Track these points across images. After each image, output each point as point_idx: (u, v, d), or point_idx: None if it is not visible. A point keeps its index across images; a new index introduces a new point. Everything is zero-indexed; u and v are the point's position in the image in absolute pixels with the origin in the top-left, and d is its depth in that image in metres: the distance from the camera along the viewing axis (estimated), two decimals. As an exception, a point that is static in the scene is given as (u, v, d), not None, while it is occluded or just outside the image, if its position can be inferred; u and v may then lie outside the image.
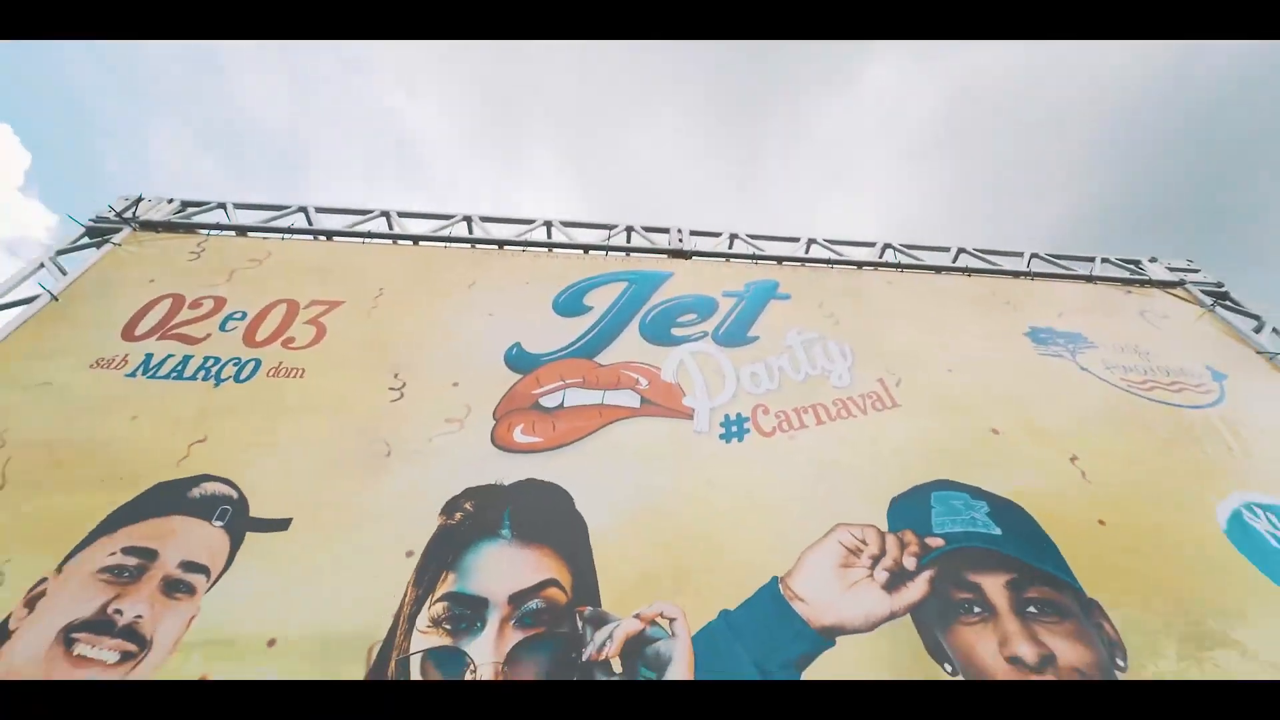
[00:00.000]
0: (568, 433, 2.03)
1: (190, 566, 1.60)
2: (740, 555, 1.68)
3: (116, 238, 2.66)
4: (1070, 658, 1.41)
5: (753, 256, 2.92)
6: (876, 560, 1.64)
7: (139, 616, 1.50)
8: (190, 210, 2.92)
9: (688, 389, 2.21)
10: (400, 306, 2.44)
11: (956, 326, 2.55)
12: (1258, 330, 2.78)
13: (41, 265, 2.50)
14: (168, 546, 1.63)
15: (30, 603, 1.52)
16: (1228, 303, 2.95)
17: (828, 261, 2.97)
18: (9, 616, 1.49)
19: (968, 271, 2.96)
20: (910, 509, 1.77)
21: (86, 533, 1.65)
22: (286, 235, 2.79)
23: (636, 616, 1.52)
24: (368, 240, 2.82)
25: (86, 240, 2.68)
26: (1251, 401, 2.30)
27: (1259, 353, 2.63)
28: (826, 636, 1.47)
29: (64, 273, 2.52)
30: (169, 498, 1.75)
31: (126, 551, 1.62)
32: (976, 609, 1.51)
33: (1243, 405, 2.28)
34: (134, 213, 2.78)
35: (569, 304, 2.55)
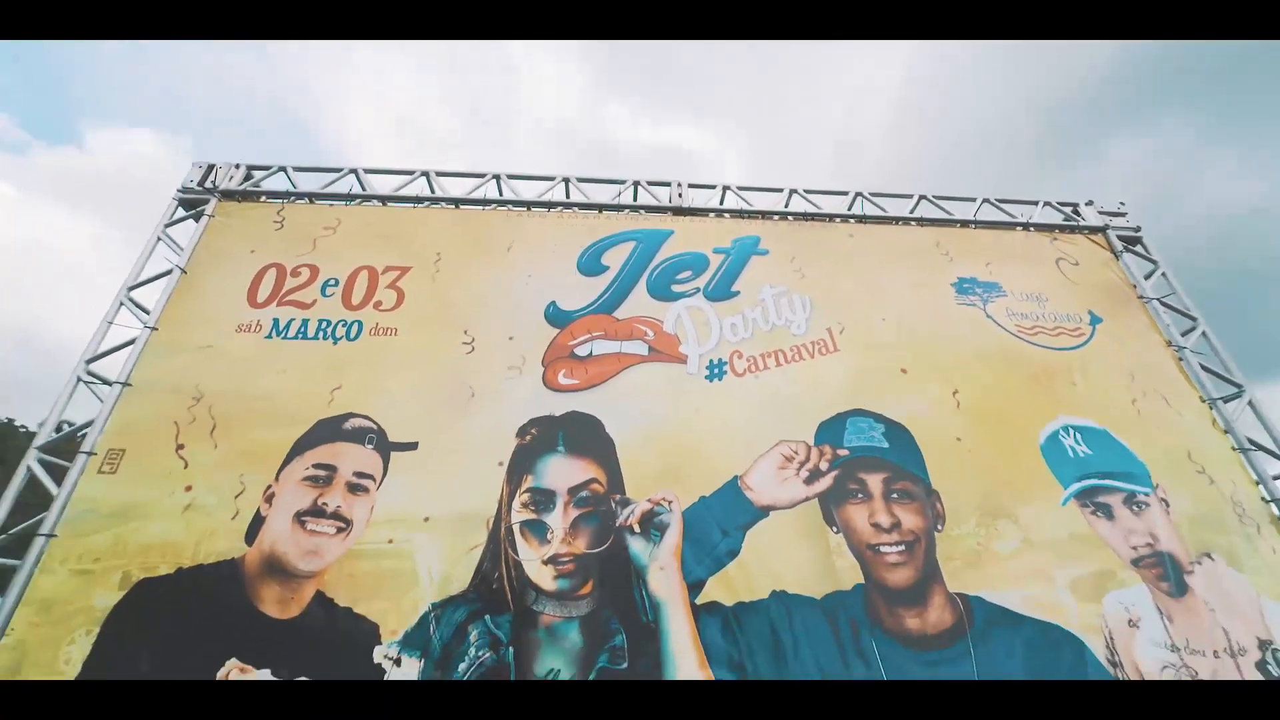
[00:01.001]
0: (596, 376, 2.80)
1: (361, 475, 2.48)
2: (714, 461, 2.56)
3: (208, 209, 3.18)
4: (910, 524, 2.34)
5: (739, 213, 3.45)
6: (802, 464, 2.52)
7: (339, 505, 2.41)
8: (257, 175, 3.38)
9: (683, 338, 2.94)
10: (457, 271, 3.06)
11: (895, 278, 3.19)
12: (1148, 276, 3.41)
13: (160, 240, 3.09)
14: (342, 463, 2.50)
15: (268, 500, 2.42)
16: (1137, 249, 3.54)
17: (805, 215, 3.50)
18: (258, 509, 2.40)
19: (921, 221, 3.50)
20: (831, 430, 2.62)
21: (285, 455, 2.51)
22: (349, 201, 3.31)
23: (648, 500, 2.43)
24: (416, 205, 3.33)
25: (183, 212, 3.21)
26: (1110, 344, 3.04)
27: (1140, 297, 3.30)
28: (764, 511, 2.40)
29: (168, 243, 3.11)
30: (330, 430, 2.58)
31: (316, 466, 2.49)
32: (859, 494, 2.41)
33: (1102, 347, 3.02)
34: (214, 182, 3.26)
35: (589, 264, 3.17)
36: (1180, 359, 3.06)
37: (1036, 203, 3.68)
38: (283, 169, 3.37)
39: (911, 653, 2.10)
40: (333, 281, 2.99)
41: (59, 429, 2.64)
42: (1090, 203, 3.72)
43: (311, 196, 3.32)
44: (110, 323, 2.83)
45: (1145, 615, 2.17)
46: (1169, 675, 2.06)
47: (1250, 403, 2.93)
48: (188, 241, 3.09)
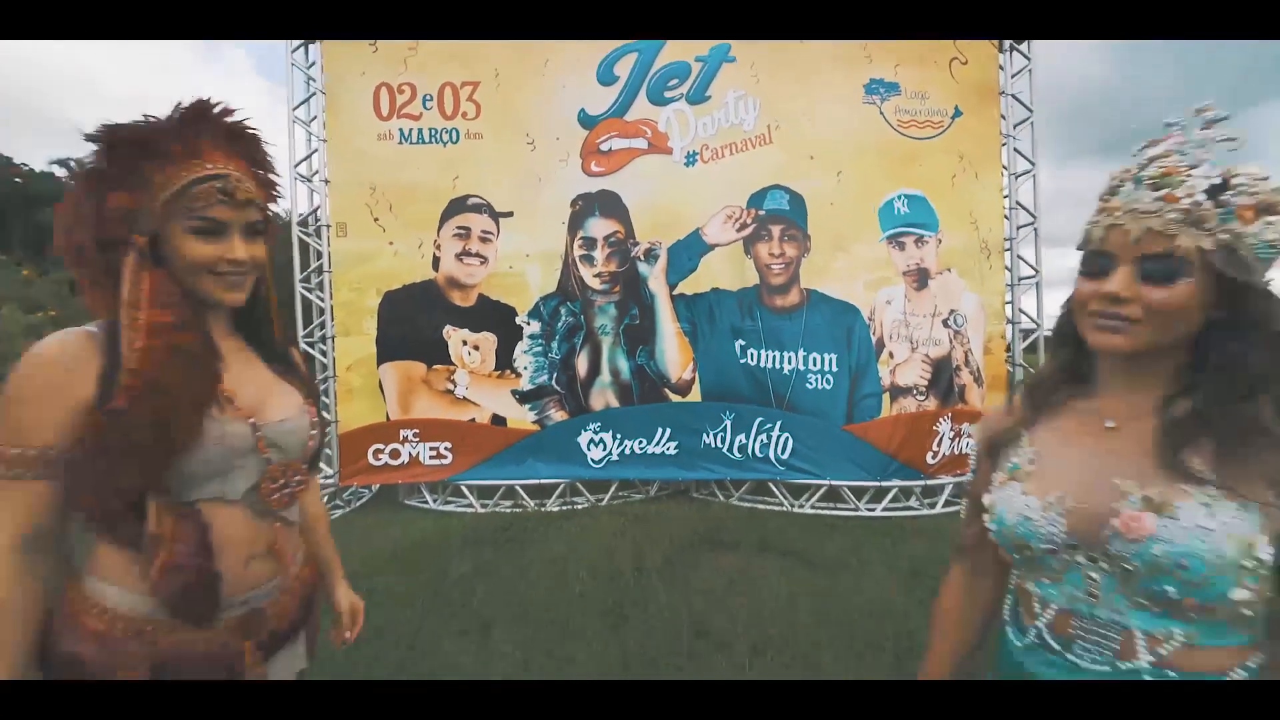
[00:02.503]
0: (615, 165, 4.40)
1: (486, 232, 4.35)
2: (687, 221, 4.39)
3: (314, 45, 4.24)
4: (790, 254, 4.31)
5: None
6: (738, 220, 4.35)
7: (478, 249, 4.35)
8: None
9: (670, 135, 4.42)
10: (512, 85, 4.33)
11: (825, 82, 4.42)
12: (1015, 75, 4.59)
13: (292, 66, 4.27)
14: (473, 224, 4.34)
15: (437, 248, 4.34)
16: (1018, 51, 4.59)
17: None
18: (434, 254, 4.34)
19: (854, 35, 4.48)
20: (758, 198, 4.36)
21: (438, 221, 4.34)
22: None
23: (648, 241, 4.36)
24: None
25: (296, 43, 4.27)
26: (957, 133, 4.46)
27: (1000, 93, 4.57)
28: (712, 246, 4.35)
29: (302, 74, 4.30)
30: (459, 205, 4.34)
31: (459, 228, 4.33)
32: (766, 237, 4.32)
33: (950, 137, 4.46)
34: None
35: (605, 74, 4.39)
36: (1004, 145, 4.56)
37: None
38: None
39: (774, 315, 4.32)
40: (429, 97, 4.32)
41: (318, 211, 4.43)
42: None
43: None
44: (309, 132, 4.32)
45: (895, 299, 4.33)
46: (893, 318, 4.30)
47: (1033, 176, 4.58)
48: (313, 71, 4.29)
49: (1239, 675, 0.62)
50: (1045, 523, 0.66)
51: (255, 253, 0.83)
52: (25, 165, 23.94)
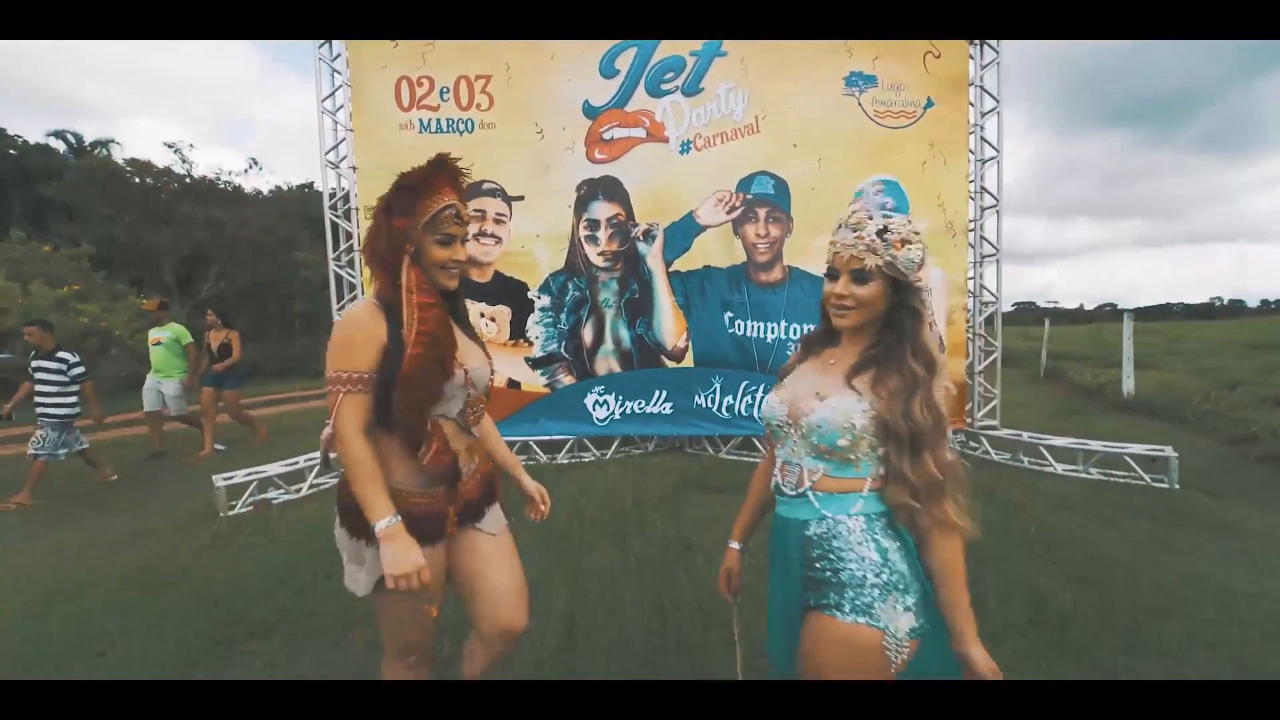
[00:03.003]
0: (616, 152, 4.84)
1: (499, 214, 4.81)
2: (681, 204, 4.85)
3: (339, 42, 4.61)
4: (775, 235, 4.78)
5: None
6: (728, 203, 4.81)
7: (491, 229, 4.81)
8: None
9: (667, 125, 4.84)
10: (522, 78, 4.73)
11: (810, 76, 4.82)
12: (985, 66, 4.98)
13: (319, 60, 4.65)
14: (488, 208, 4.79)
15: (477, 238, 4.81)
16: (988, 45, 4.98)
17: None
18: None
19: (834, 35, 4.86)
20: (745, 183, 4.82)
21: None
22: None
23: (646, 223, 4.83)
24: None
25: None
26: (929, 123, 4.89)
27: (970, 84, 4.97)
28: (704, 228, 4.82)
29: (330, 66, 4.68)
30: (475, 190, 4.77)
31: (474, 209, 4.79)
32: (753, 219, 4.79)
33: (922, 126, 4.88)
34: (336, 3, 4.58)
35: (606, 68, 4.79)
36: (971, 133, 5.00)
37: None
38: (378, -14, 4.61)
39: (760, 290, 4.83)
40: (446, 90, 4.72)
41: (332, 193, 4.88)
42: None
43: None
44: (335, 121, 4.73)
45: (868, 273, 4.83)
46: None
47: (997, 162, 5.03)
48: (338, 64, 4.67)
49: (859, 500, 1.04)
50: (777, 412, 1.14)
51: (466, 255, 1.30)
52: (19, 137, 23.60)
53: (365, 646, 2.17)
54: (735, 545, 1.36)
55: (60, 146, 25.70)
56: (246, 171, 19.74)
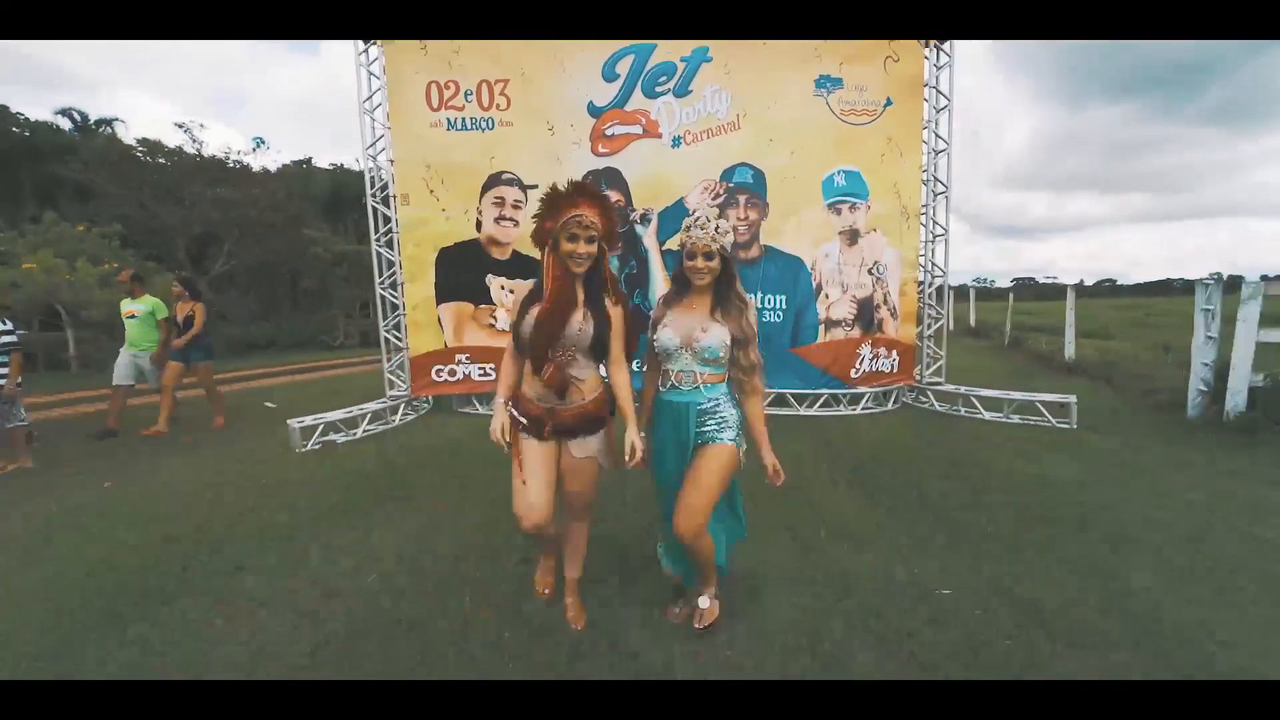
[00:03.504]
0: (616, 147, 5.61)
1: (517, 201, 5.59)
2: (673, 191, 5.64)
3: (377, 46, 5.32)
4: (754, 218, 5.59)
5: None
6: (713, 190, 5.61)
7: (511, 214, 5.61)
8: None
9: (660, 122, 5.59)
10: (535, 82, 5.46)
11: (784, 79, 5.55)
12: (939, 67, 5.71)
13: (360, 66, 5.37)
14: (506, 195, 5.58)
15: (479, 213, 5.60)
16: (943, 49, 5.70)
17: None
18: (477, 217, 5.60)
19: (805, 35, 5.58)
20: (727, 173, 5.61)
21: (479, 191, 5.58)
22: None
23: (643, 209, 5.63)
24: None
25: (361, 45, 5.35)
26: (888, 120, 5.64)
27: (924, 85, 5.71)
28: (691, 211, 5.59)
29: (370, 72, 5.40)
30: (495, 179, 5.56)
31: (495, 197, 5.57)
32: (733, 203, 5.60)
33: (881, 123, 5.64)
34: (374, 16, 5.28)
35: (608, 72, 5.52)
36: (925, 128, 5.76)
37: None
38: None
39: (739, 264, 5.64)
40: (469, 92, 5.46)
41: (385, 185, 5.66)
42: (931, 5, 5.66)
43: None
44: (372, 119, 5.49)
45: (832, 253, 5.65)
46: (830, 268, 5.64)
47: (947, 155, 5.81)
48: (376, 69, 5.40)
49: (723, 385, 1.88)
50: (673, 341, 1.85)
51: (590, 250, 1.77)
52: (21, 115, 23.89)
53: (429, 514, 3.07)
54: (642, 434, 1.92)
55: (66, 124, 26.02)
56: (255, 150, 20.19)
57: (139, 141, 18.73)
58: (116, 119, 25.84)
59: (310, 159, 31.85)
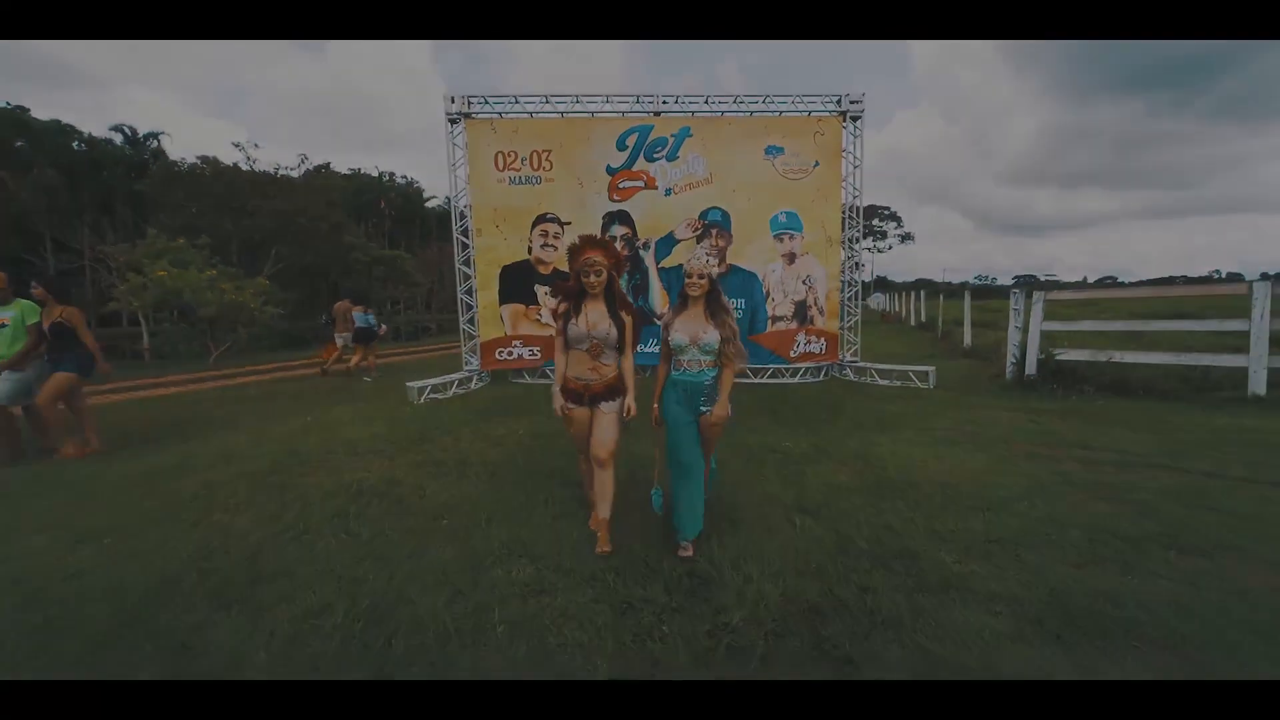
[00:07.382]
0: (626, 196, 8.04)
1: (558, 231, 8.02)
2: (666, 227, 8.06)
3: (461, 125, 7.74)
4: (722, 245, 8.00)
5: (680, 113, 7.95)
6: (693, 226, 8.02)
7: (555, 242, 8.03)
8: (473, 104, 7.74)
9: (658, 179, 8.02)
10: (568, 150, 7.89)
11: (741, 147, 7.94)
12: (855, 138, 8.11)
13: (448, 139, 7.80)
14: (549, 228, 8.01)
15: (530, 241, 8.03)
16: (855, 126, 8.09)
17: (711, 111, 7.97)
18: (529, 243, 8.04)
19: (754, 114, 7.98)
20: (705, 214, 8.03)
21: (530, 225, 8.01)
22: (530, 114, 7.80)
23: (645, 239, 8.05)
24: (544, 115, 7.84)
25: (448, 123, 7.77)
26: (817, 177, 8.05)
27: (843, 151, 8.11)
28: (679, 240, 8.04)
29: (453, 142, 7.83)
30: (542, 217, 7.99)
31: (542, 230, 7.99)
32: (708, 234, 8.02)
33: (813, 179, 8.05)
34: (458, 110, 7.70)
35: (619, 144, 7.95)
36: (843, 181, 8.16)
37: (819, 97, 8.03)
38: (484, 99, 7.74)
39: (712, 278, 8.08)
40: (524, 158, 7.89)
41: (462, 214, 8.10)
42: (846, 96, 8.06)
43: (503, 114, 7.82)
44: (456, 177, 7.94)
45: (777, 270, 8.07)
46: (775, 279, 8.05)
47: (857, 200, 8.22)
48: (458, 139, 7.84)
49: (715, 370, 2.88)
50: (684, 339, 3.51)
51: (600, 280, 2.76)
52: (86, 132, 26.43)
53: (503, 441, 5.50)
54: (658, 403, 2.93)
55: (120, 139, 28.53)
56: (300, 165, 22.64)
57: (200, 159, 21.19)
58: (163, 132, 28.37)
59: (329, 163, 34.19)
